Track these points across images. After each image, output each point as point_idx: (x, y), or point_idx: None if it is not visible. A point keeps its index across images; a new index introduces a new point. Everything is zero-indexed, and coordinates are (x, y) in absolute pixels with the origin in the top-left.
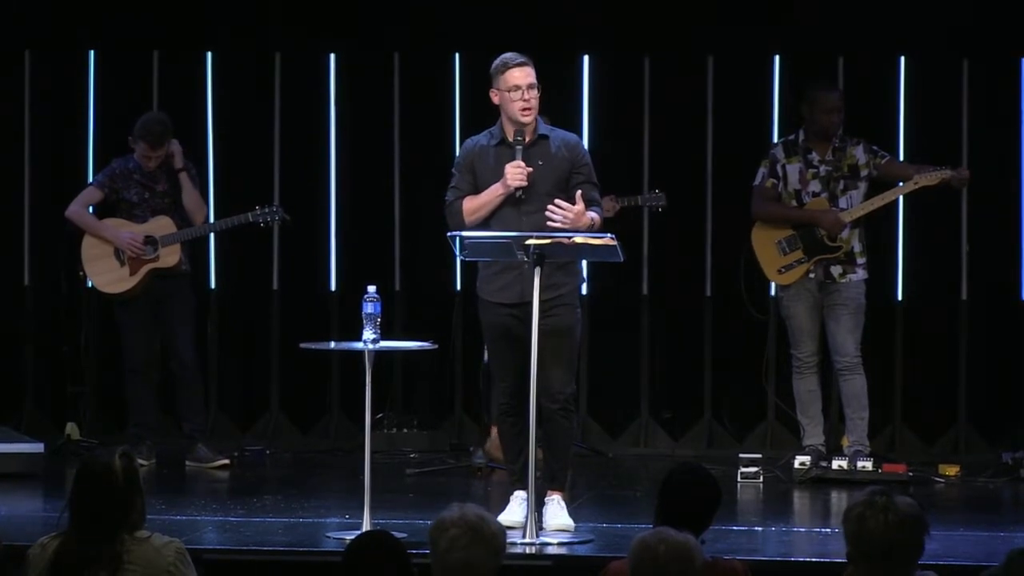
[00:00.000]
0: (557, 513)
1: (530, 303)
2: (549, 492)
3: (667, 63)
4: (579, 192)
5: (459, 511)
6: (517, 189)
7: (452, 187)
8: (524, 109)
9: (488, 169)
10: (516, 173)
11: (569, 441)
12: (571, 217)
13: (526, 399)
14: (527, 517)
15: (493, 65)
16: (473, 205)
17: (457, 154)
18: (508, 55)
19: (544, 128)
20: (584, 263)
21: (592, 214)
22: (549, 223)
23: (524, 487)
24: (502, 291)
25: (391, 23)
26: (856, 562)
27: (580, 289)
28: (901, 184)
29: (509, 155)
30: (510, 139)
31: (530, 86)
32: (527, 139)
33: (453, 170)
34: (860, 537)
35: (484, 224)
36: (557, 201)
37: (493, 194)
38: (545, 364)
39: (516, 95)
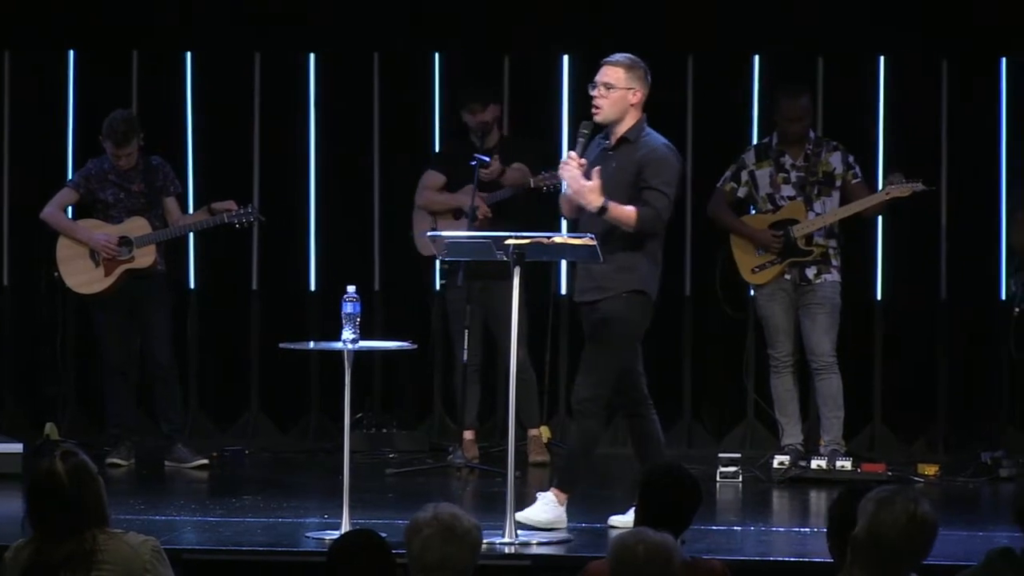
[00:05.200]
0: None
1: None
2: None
3: (647, 62)
4: (596, 169)
5: (432, 511)
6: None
7: None
8: (592, 106)
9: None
10: (563, 165)
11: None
12: (577, 176)
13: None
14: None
15: None
16: (562, 196)
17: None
18: (614, 54)
19: (636, 133)
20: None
21: (606, 202)
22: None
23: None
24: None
25: (370, 22)
26: (859, 549)
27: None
28: (876, 192)
29: (595, 150)
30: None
31: (604, 84)
32: (613, 140)
33: None
34: (880, 521)
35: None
36: (572, 154)
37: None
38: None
39: (592, 91)
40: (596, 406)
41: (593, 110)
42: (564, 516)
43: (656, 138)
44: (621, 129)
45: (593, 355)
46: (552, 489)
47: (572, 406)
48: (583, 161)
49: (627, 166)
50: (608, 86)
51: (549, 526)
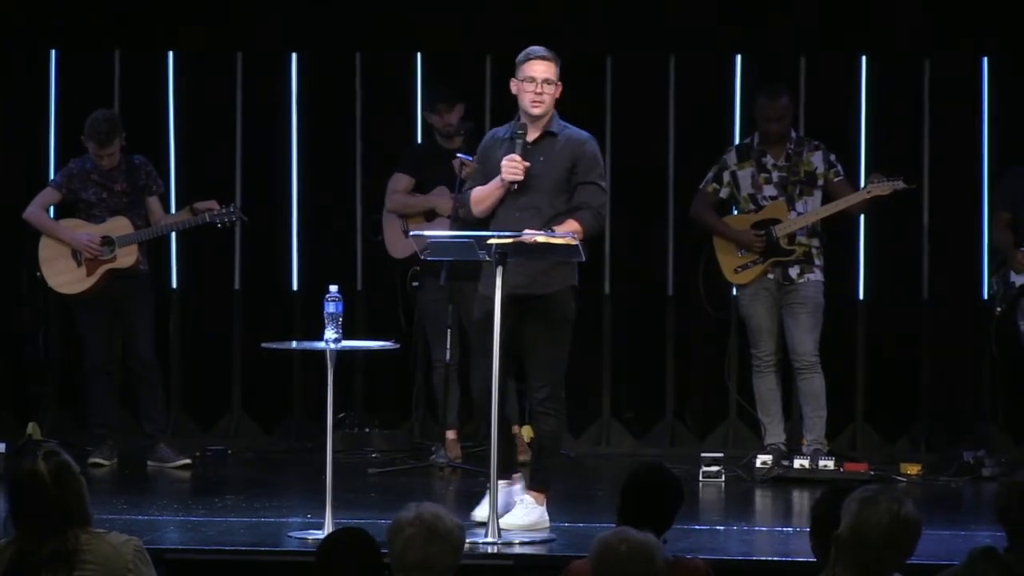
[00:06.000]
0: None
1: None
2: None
3: (629, 62)
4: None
5: (415, 511)
6: (512, 183)
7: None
8: (534, 101)
9: (496, 160)
10: (510, 167)
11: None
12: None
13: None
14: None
15: (519, 56)
16: (478, 195)
17: None
18: (534, 48)
19: (557, 126)
20: None
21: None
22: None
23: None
24: None
25: (352, 23)
26: (842, 548)
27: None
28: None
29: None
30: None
31: (546, 80)
32: (535, 134)
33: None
34: (864, 520)
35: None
36: (515, 156)
37: (493, 186)
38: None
39: (530, 86)
40: (556, 404)
41: (535, 106)
42: (546, 516)
43: (577, 130)
44: (543, 122)
45: (544, 354)
46: (529, 492)
47: (531, 408)
48: (527, 164)
49: (557, 160)
50: (549, 81)
51: (532, 527)
